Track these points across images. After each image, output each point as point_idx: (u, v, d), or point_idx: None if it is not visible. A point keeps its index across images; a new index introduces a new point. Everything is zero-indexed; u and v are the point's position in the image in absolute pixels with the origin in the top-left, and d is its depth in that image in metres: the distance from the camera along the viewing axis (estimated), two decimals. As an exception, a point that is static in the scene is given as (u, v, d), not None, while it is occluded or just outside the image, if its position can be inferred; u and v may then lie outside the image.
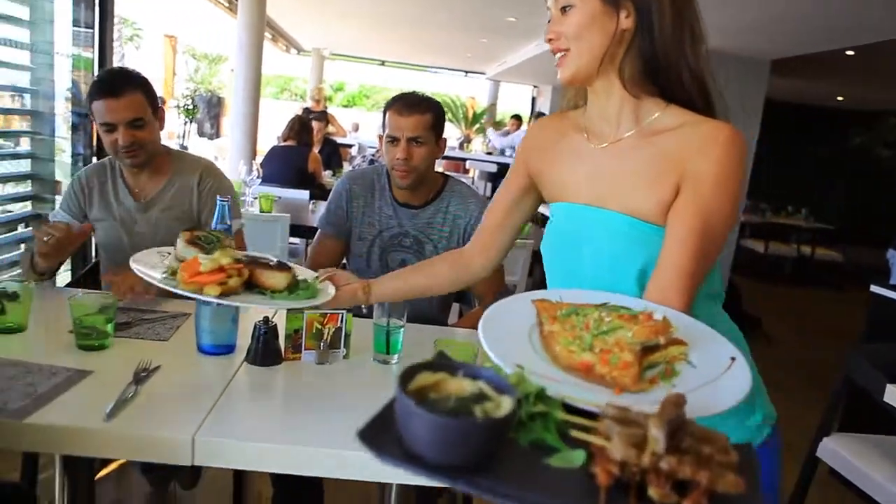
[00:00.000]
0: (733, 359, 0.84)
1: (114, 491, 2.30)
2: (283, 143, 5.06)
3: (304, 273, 1.30)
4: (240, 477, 2.05)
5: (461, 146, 11.39)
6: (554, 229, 1.22)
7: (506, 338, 0.85)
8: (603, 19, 1.04)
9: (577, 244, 1.15)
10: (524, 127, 10.72)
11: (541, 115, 10.32)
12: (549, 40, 1.09)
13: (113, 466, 2.37)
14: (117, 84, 1.82)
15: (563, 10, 1.06)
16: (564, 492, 0.60)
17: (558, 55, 1.09)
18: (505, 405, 0.60)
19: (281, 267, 1.15)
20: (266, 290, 1.16)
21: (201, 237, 1.24)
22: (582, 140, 1.17)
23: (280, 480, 1.84)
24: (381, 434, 0.62)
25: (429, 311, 2.06)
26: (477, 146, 12.02)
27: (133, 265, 1.13)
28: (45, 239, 1.62)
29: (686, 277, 1.00)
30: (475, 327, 1.77)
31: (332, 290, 1.28)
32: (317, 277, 1.26)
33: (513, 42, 8.74)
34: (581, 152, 1.17)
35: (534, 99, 13.72)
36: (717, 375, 0.81)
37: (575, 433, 0.64)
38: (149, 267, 1.17)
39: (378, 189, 2.06)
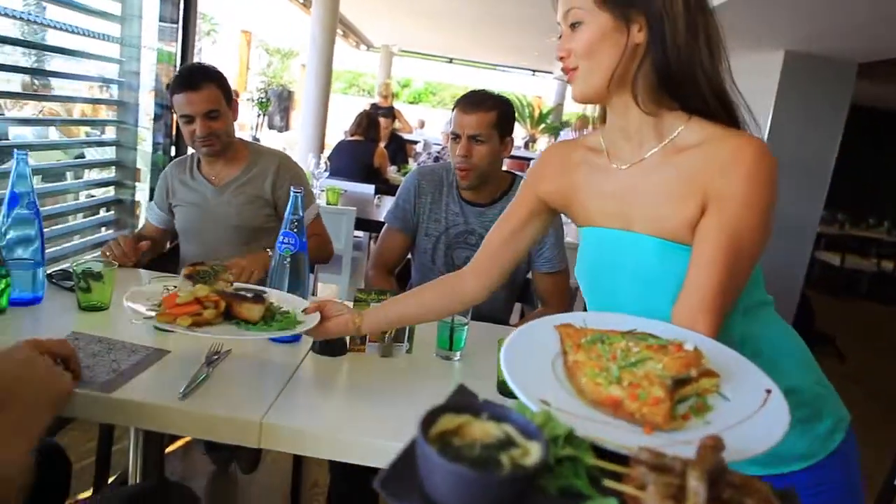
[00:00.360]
0: (769, 391, 0.78)
1: (179, 466, 2.39)
2: (350, 138, 5.15)
3: (293, 304, 1.28)
4: (298, 464, 2.11)
5: (526, 146, 11.32)
6: (586, 255, 1.19)
7: (529, 368, 0.81)
8: (614, 35, 1.00)
9: (611, 270, 1.13)
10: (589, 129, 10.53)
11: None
12: (560, 58, 1.05)
13: (179, 443, 2.47)
14: (196, 78, 1.93)
15: (573, 26, 1.02)
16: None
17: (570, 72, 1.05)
18: (534, 452, 0.56)
19: (256, 299, 1.18)
20: (242, 321, 1.18)
21: (200, 272, 1.28)
22: (604, 161, 1.14)
23: (338, 469, 1.87)
24: (402, 481, 0.57)
25: (491, 309, 2.06)
26: (542, 146, 11.92)
27: (126, 301, 1.17)
28: (107, 253, 1.80)
29: (713, 301, 0.95)
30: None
31: (313, 321, 1.23)
32: (304, 309, 1.25)
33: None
34: (604, 174, 1.13)
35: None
36: (753, 411, 0.76)
37: (607, 481, 0.60)
38: (146, 297, 1.20)
39: (446, 186, 2.07)
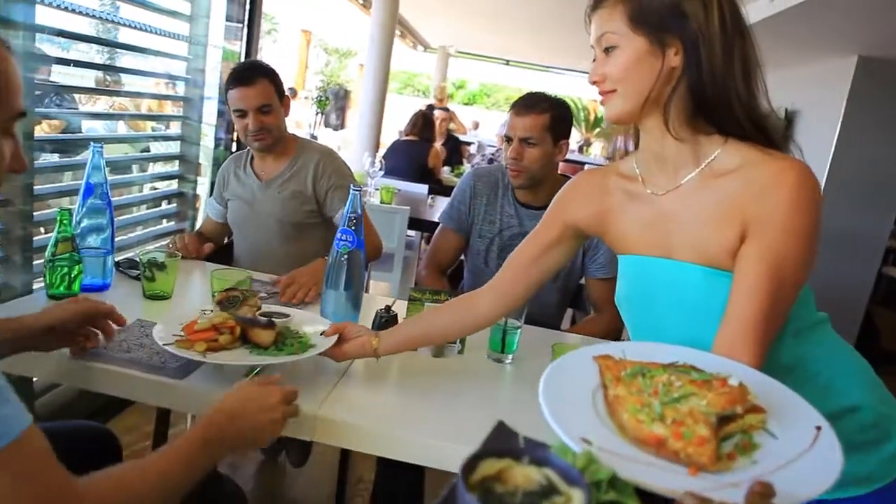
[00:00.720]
0: (819, 428, 0.75)
1: (230, 455, 2.45)
2: (405, 138, 5.19)
3: (314, 325, 1.32)
4: (345, 459, 2.13)
5: (580, 150, 11.20)
6: (626, 283, 1.17)
7: (568, 403, 0.79)
8: (649, 58, 0.98)
9: (652, 298, 1.11)
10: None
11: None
12: (594, 82, 1.03)
13: (230, 432, 2.52)
14: (249, 74, 1.98)
15: (607, 50, 1.01)
16: None
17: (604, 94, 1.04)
18: (576, 500, 0.54)
19: (268, 325, 1.21)
20: (255, 345, 1.22)
21: (231, 297, 1.32)
22: (639, 188, 1.12)
23: (385, 465, 1.88)
24: None
25: (543, 314, 2.04)
26: (597, 150, 11.77)
27: (155, 332, 1.20)
28: (170, 245, 1.87)
29: (756, 330, 0.93)
30: (589, 334, 1.75)
31: (327, 344, 1.24)
32: (323, 332, 1.27)
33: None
34: (641, 201, 1.11)
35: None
36: (803, 450, 0.72)
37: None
38: (178, 322, 1.24)
39: (501, 188, 2.07)
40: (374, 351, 1.25)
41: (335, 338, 1.24)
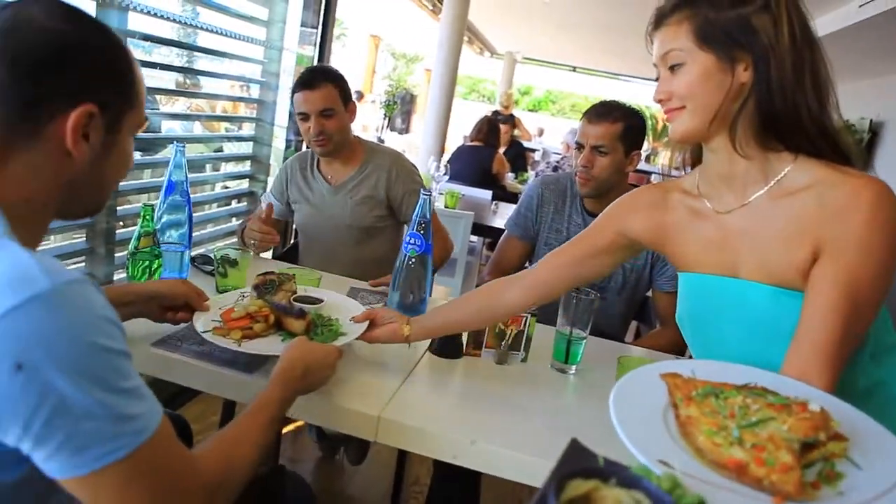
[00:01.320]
0: None
1: (290, 449, 2.50)
2: (470, 143, 5.20)
3: (347, 310, 1.35)
4: (402, 460, 2.14)
5: (647, 159, 10.96)
6: (688, 302, 1.15)
7: (641, 423, 0.77)
8: (718, 75, 0.96)
9: (716, 317, 1.09)
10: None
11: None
12: (660, 101, 1.02)
13: (290, 427, 2.58)
14: (314, 78, 2.00)
15: (672, 68, 0.99)
16: None
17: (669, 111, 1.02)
18: None
19: (299, 315, 1.24)
20: (289, 332, 1.25)
21: (267, 282, 1.35)
22: (702, 205, 1.10)
23: (442, 469, 1.89)
24: None
25: (609, 325, 2.01)
26: (664, 159, 11.50)
27: (195, 319, 1.25)
28: (252, 242, 1.87)
29: (829, 354, 0.90)
30: (654, 347, 1.70)
31: (358, 331, 1.26)
32: (353, 318, 1.29)
33: (716, 52, 8.24)
34: (704, 219, 1.10)
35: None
36: (893, 484, 0.69)
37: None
38: (219, 307, 1.28)
39: (570, 196, 2.04)
40: (406, 337, 1.26)
41: (366, 324, 1.27)
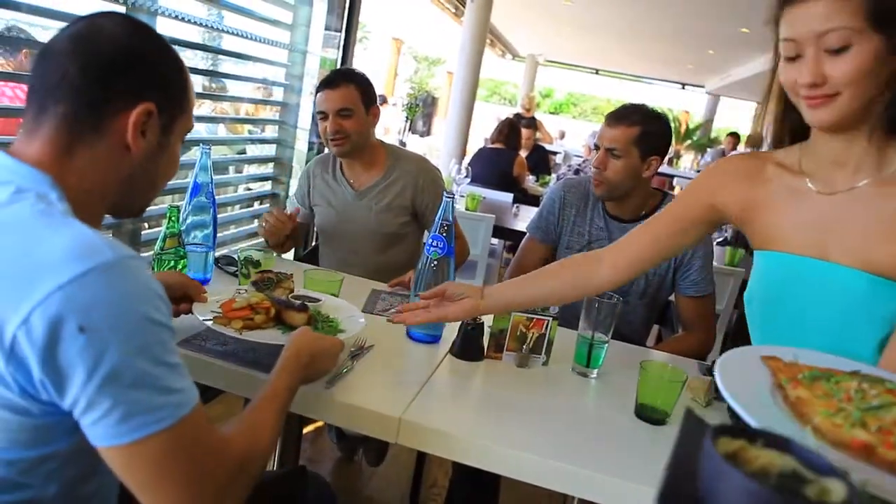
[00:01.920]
0: None
1: (309, 450, 2.52)
2: (491, 146, 5.19)
3: (343, 312, 1.36)
4: (421, 462, 2.14)
5: (670, 162, 10.88)
6: (765, 280, 1.11)
7: (754, 402, 0.76)
8: (888, 61, 0.89)
9: (797, 301, 1.06)
10: (740, 147, 9.95)
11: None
12: (812, 85, 0.93)
13: (310, 428, 2.60)
14: (336, 78, 2.01)
15: (835, 50, 0.90)
16: None
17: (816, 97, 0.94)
18: (836, 491, 0.49)
19: (301, 308, 1.26)
20: (288, 326, 1.26)
21: (266, 279, 1.38)
22: (802, 184, 1.06)
23: (462, 471, 1.89)
24: (679, 497, 0.55)
25: (631, 331, 2.00)
26: (687, 163, 11.40)
27: (195, 308, 1.26)
28: (262, 224, 1.90)
29: None
30: (677, 352, 1.69)
31: (355, 329, 1.27)
32: (417, 294, 1.31)
33: (742, 55, 8.17)
34: (803, 198, 1.06)
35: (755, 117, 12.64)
36: None
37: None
38: (217, 301, 1.29)
39: (592, 199, 2.03)
40: (481, 310, 1.27)
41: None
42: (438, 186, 2.13)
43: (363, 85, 2.04)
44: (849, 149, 1.00)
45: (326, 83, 2.01)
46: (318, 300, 1.39)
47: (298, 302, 1.29)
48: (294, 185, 2.93)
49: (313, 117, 3.16)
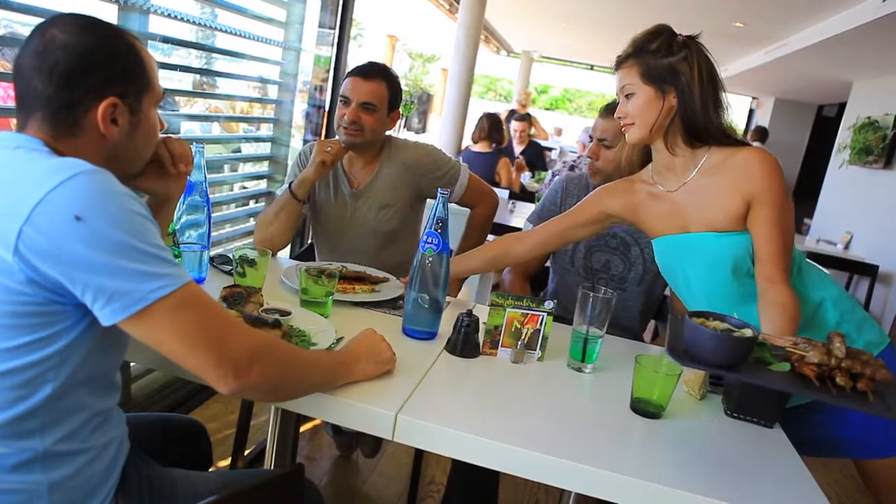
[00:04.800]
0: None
1: (307, 446, 2.52)
2: (474, 148, 5.01)
3: (315, 325, 1.35)
4: (418, 459, 2.15)
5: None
6: (661, 260, 1.62)
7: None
8: (656, 101, 1.45)
9: (681, 264, 1.55)
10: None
11: (761, 128, 9.52)
12: (619, 118, 1.51)
13: (308, 426, 2.60)
14: (371, 70, 1.98)
15: (627, 96, 1.48)
16: (783, 380, 1.15)
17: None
18: (748, 332, 1.16)
19: (274, 325, 1.24)
20: None
21: (235, 294, 1.36)
22: (656, 189, 1.57)
23: (460, 468, 1.89)
24: (676, 349, 1.17)
25: (630, 325, 2.01)
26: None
27: None
28: (327, 149, 1.91)
29: (781, 260, 1.41)
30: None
31: (329, 340, 1.29)
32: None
33: (736, 49, 8.16)
34: (661, 197, 1.56)
35: (751, 111, 12.66)
36: None
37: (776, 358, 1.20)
38: None
39: (591, 191, 2.05)
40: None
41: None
42: (442, 161, 2.10)
43: (394, 87, 2.01)
44: (670, 158, 1.51)
45: (360, 72, 1.97)
46: (289, 312, 1.37)
47: (272, 318, 1.27)
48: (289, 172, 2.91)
49: (307, 115, 3.15)
